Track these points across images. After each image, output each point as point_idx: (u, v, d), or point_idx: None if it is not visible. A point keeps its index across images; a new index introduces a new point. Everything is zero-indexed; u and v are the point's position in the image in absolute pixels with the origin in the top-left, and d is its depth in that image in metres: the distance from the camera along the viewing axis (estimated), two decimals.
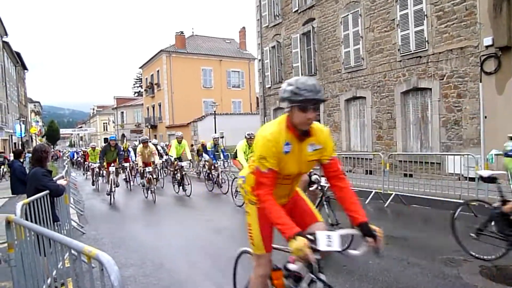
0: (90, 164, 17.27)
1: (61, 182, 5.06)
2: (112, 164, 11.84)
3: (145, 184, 11.21)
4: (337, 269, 4.64)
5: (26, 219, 3.73)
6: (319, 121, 16.84)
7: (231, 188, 9.93)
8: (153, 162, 11.71)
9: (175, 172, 12.01)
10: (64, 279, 3.51)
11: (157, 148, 14.96)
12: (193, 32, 44.03)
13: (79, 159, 30.40)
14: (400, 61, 12.72)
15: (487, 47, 10.05)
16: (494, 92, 10.02)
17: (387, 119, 13.40)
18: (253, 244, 2.62)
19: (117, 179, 11.69)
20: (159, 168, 13.95)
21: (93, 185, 15.41)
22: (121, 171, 13.21)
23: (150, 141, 15.58)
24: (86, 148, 28.39)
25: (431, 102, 11.90)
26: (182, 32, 40.03)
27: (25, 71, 47.21)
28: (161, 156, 15.59)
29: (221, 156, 12.88)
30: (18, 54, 38.59)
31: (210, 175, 12.62)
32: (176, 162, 11.91)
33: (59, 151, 53.41)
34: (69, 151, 43.76)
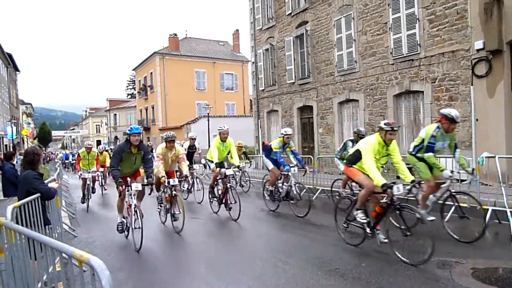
0: (81, 172, 11.55)
1: (53, 185, 5.02)
2: (130, 180, 6.70)
3: (165, 204, 7.63)
4: (330, 271, 4.64)
5: (17, 223, 3.69)
6: (312, 123, 16.93)
7: (335, 212, 6.08)
8: (177, 172, 8.37)
9: (215, 183, 8.69)
10: (55, 283, 3.48)
11: (193, 148, 11.89)
12: (186, 34, 44.00)
13: (73, 162, 29.34)
14: (393, 64, 12.81)
15: (478, 50, 10.15)
16: (485, 95, 10.12)
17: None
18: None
19: (140, 208, 6.27)
20: (191, 180, 10.32)
21: (82, 202, 10.81)
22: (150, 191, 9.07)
23: (193, 139, 11.98)
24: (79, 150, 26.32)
25: (423, 105, 11.99)
26: (175, 34, 39.97)
27: (17, 72, 46.80)
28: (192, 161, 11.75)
29: (292, 159, 8.81)
30: (10, 55, 38.25)
31: (269, 188, 8.97)
32: (218, 170, 8.25)
33: (51, 153, 52.97)
34: (62, 153, 43.33)
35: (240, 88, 41.76)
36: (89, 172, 11.35)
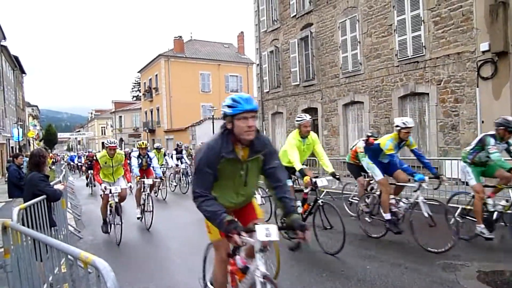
0: (105, 185, 7.06)
1: (58, 186, 5.06)
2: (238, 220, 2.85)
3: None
4: (334, 273, 4.63)
5: (23, 224, 3.72)
6: (317, 125, 16.91)
7: None
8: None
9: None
10: (60, 285, 3.50)
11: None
12: (191, 36, 44.13)
13: (80, 164, 27.61)
14: (398, 66, 12.77)
15: (483, 52, 10.11)
16: (491, 97, 10.06)
17: (385, 124, 13.44)
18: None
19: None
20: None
21: (105, 231, 7.19)
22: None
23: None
24: (88, 151, 24.25)
25: (428, 107, 11.94)
26: (180, 37, 40.12)
27: (23, 75, 47.13)
28: None
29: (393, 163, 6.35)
30: (16, 58, 38.55)
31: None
32: (308, 180, 5.50)
33: (57, 155, 53.27)
34: (68, 155, 43.52)
35: (245, 90, 41.73)
36: (109, 184, 7.18)
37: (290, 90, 18.78)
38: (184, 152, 15.10)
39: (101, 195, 7.17)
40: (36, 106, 68.95)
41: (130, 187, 7.36)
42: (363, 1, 13.90)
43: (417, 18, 11.90)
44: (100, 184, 7.10)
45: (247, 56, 43.32)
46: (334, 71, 15.77)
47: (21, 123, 36.32)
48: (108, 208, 7.07)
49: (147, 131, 43.14)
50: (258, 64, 21.59)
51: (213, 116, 27.26)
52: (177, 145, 15.55)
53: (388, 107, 13.28)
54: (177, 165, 14.12)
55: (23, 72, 45.67)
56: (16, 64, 39.26)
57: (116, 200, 6.90)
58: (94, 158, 7.53)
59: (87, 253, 2.13)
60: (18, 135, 31.27)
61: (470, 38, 10.49)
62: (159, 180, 9.19)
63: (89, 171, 15.91)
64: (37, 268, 3.49)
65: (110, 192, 6.82)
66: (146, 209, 8.06)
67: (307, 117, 5.94)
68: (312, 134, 6.13)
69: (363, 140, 7.44)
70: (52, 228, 4.71)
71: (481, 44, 10.13)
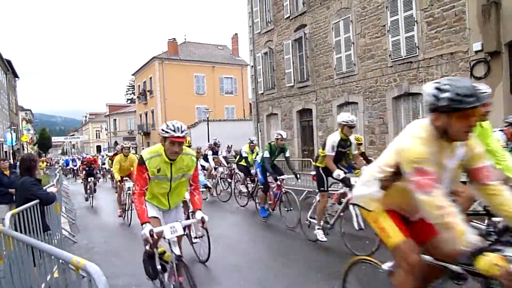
0: (144, 227, 3.11)
1: (52, 189, 5.02)
2: None
3: None
4: (330, 274, 4.61)
5: (16, 229, 3.68)
6: (312, 126, 16.92)
7: None
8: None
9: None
10: None
11: (346, 144, 5.79)
12: (185, 38, 44.10)
13: (75, 168, 26.07)
14: (391, 66, 12.82)
15: (476, 52, 10.17)
16: None
17: (379, 124, 13.48)
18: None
19: None
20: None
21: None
22: None
23: (350, 126, 5.59)
24: (82, 155, 23.05)
25: (422, 107, 11.99)
26: (174, 39, 40.10)
27: (16, 79, 46.88)
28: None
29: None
30: (9, 62, 38.33)
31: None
32: None
33: (51, 159, 52.87)
34: (63, 159, 43.21)
35: (240, 92, 41.80)
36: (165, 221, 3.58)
37: (284, 91, 18.80)
38: (220, 152, 12.32)
39: (146, 239, 3.17)
40: (30, 110, 68.62)
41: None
42: (356, 2, 13.95)
43: (410, 18, 11.96)
44: (143, 223, 3.19)
45: (242, 58, 43.36)
46: (328, 72, 15.80)
47: (15, 127, 36.09)
48: (157, 258, 3.68)
49: (142, 134, 43.02)
50: (252, 66, 21.61)
51: (208, 118, 27.23)
52: (214, 143, 12.25)
53: (382, 108, 13.32)
54: (215, 168, 11.75)
55: (16, 76, 45.41)
56: (8, 68, 39.03)
57: (177, 252, 3.31)
58: (139, 158, 3.59)
59: (79, 257, 2.11)
60: (12, 140, 31.07)
61: (463, 38, 10.55)
62: (204, 189, 6.78)
63: (89, 179, 12.92)
64: (30, 273, 3.45)
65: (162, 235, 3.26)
66: (193, 235, 5.71)
67: (487, 89, 3.46)
68: (487, 123, 3.88)
69: (500, 130, 5.08)
70: (46, 232, 4.67)
71: (473, 44, 10.20)
